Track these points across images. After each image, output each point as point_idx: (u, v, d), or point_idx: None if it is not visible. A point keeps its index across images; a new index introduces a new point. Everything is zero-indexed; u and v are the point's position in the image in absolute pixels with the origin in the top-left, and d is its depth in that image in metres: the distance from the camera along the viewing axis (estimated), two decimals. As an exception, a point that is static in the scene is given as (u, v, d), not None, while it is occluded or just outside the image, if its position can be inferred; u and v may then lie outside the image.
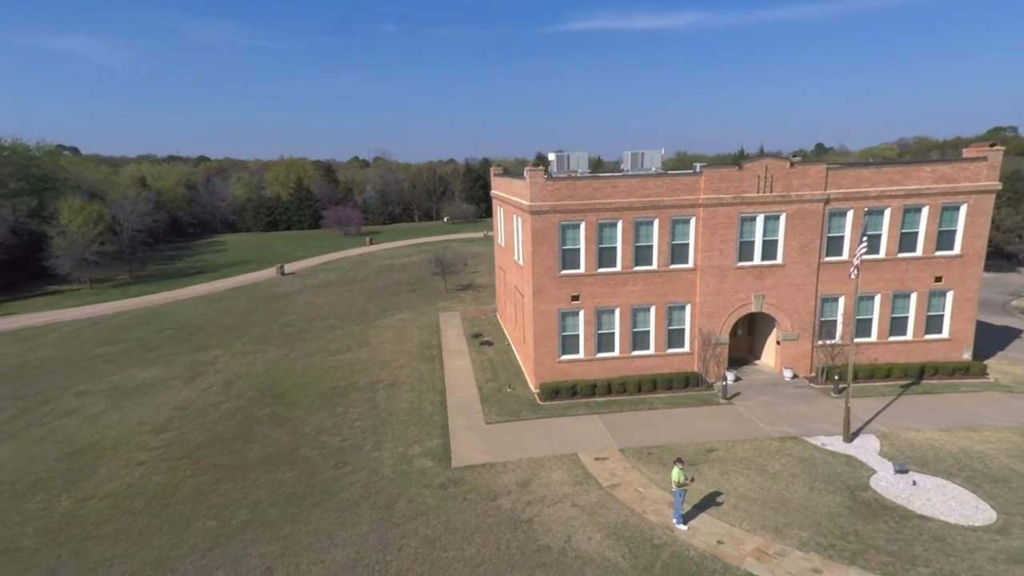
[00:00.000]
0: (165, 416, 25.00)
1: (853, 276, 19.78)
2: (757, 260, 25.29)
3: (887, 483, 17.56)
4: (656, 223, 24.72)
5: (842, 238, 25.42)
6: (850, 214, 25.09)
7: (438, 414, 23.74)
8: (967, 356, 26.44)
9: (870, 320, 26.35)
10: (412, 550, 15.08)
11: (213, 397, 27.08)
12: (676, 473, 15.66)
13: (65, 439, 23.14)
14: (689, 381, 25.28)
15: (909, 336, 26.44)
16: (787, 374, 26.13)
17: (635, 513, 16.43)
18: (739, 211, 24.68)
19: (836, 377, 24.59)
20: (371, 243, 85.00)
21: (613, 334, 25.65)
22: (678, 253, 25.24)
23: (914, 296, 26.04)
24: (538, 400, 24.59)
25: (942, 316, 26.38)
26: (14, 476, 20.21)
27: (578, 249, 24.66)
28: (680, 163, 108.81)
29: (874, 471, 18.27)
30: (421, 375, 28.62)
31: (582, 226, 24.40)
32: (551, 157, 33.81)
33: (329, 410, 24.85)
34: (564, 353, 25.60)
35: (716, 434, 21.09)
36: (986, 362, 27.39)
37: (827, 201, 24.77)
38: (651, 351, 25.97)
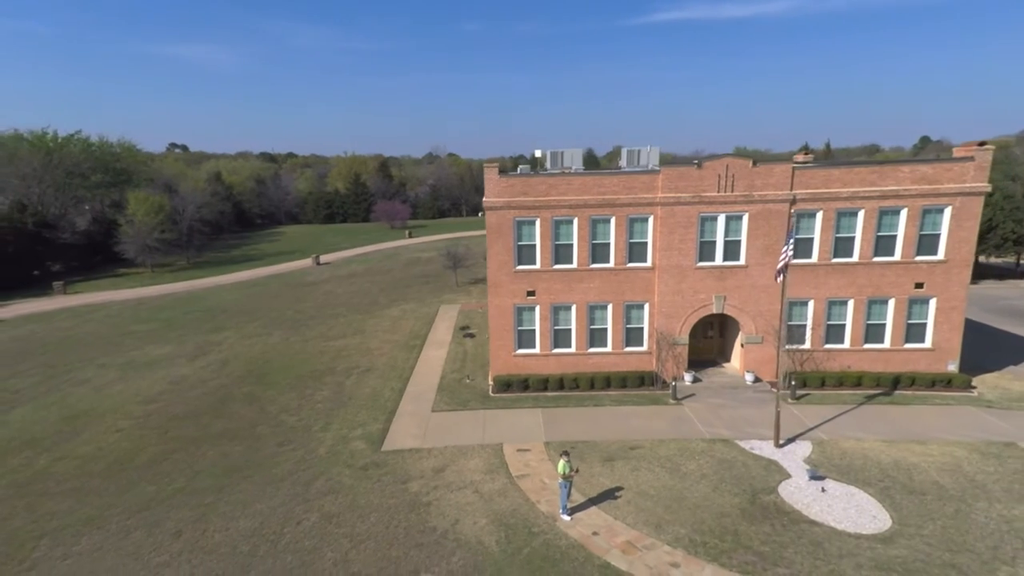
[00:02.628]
0: (158, 389, 27.06)
1: (779, 280, 18.84)
2: (719, 261, 24.39)
3: (796, 488, 16.79)
4: (613, 221, 24.31)
5: (811, 240, 24.09)
6: (819, 215, 23.73)
7: (392, 400, 24.46)
8: (952, 368, 24.45)
9: (843, 326, 24.86)
10: (310, 524, 15.83)
11: (206, 374, 29.01)
12: (561, 465, 15.65)
13: (69, 405, 25.52)
14: (644, 380, 24.77)
15: (887, 344, 24.74)
16: (748, 378, 25.09)
17: (529, 502, 16.50)
18: (699, 210, 23.88)
19: (792, 383, 23.42)
20: (410, 236, 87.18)
21: (570, 330, 25.48)
22: (636, 251, 24.73)
23: (892, 302, 24.33)
24: (490, 392, 24.83)
25: (924, 324, 24.52)
26: (13, 434, 22.55)
27: (534, 245, 24.62)
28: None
29: (789, 476, 17.50)
30: (395, 363, 29.47)
31: (537, 222, 24.34)
32: (537, 154, 33.84)
33: (299, 392, 26.11)
34: (520, 347, 25.68)
35: (649, 433, 20.66)
36: (988, 375, 25.39)
37: (793, 201, 23.54)
38: (608, 349, 25.61)
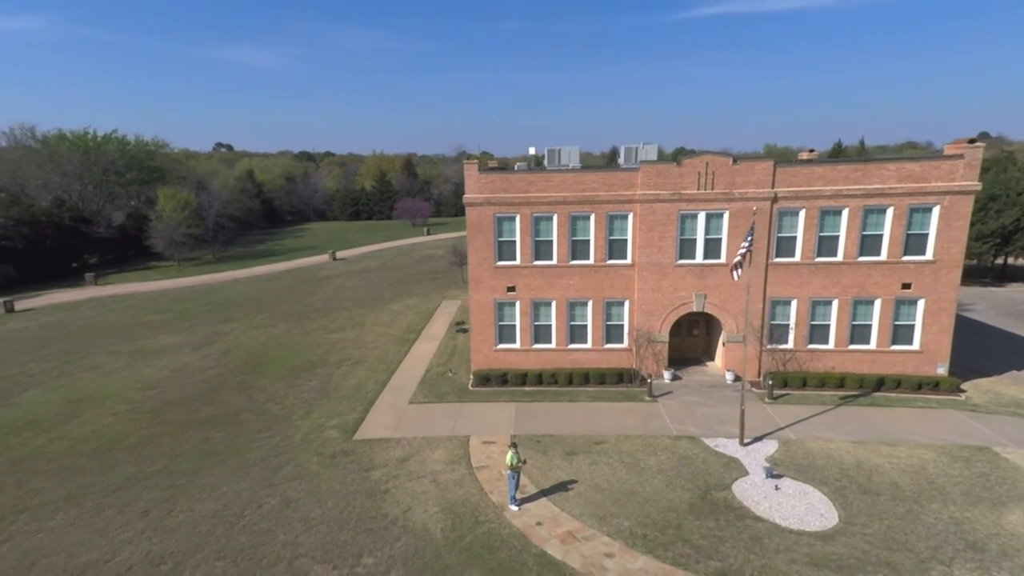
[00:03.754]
0: (159, 376, 28.04)
1: (736, 277, 18.49)
2: (699, 259, 24.00)
3: (750, 486, 16.52)
4: (592, 218, 24.15)
5: (794, 239, 23.50)
6: (802, 213, 23.12)
7: (374, 392, 24.82)
8: (942, 371, 23.57)
9: (827, 326, 24.18)
10: (269, 508, 16.24)
11: (206, 363, 29.93)
12: (509, 456, 15.71)
13: (76, 389, 26.67)
14: (623, 377, 24.56)
15: (872, 345, 23.98)
16: (728, 376, 24.64)
17: (482, 492, 16.60)
18: (678, 208, 23.54)
19: (770, 382, 22.91)
20: (428, 233, 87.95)
21: (550, 326, 25.43)
22: (616, 249, 24.51)
23: (878, 303, 23.56)
24: (470, 386, 24.98)
25: (912, 326, 23.67)
26: (19, 415, 23.69)
27: (514, 241, 24.64)
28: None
29: (747, 474, 17.21)
30: (385, 356, 29.88)
31: (517, 219, 24.34)
32: (531, 152, 33.81)
33: (289, 381, 26.72)
34: (501, 342, 25.75)
35: (617, 429, 20.51)
36: (985, 380, 24.47)
37: (775, 200, 22.99)
38: (588, 345, 25.47)
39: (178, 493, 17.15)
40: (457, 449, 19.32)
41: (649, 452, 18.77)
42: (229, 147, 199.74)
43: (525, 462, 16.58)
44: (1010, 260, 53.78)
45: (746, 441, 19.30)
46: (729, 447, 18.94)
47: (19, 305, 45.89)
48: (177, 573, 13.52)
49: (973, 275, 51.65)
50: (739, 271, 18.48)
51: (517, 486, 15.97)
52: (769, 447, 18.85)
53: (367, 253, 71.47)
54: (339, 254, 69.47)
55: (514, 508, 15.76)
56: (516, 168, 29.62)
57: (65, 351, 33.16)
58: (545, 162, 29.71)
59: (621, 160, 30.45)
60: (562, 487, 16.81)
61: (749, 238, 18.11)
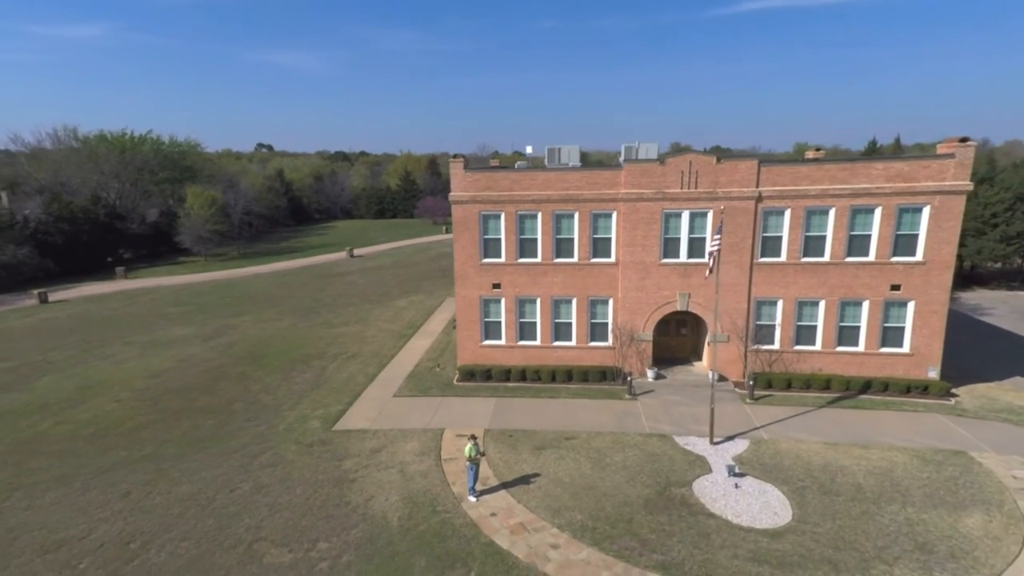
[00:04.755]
0: (166, 366, 29.13)
1: (707, 275, 18.22)
2: (683, 258, 23.73)
3: (710, 484, 16.41)
4: (576, 216, 24.11)
5: (780, 238, 23.03)
6: (787, 213, 22.65)
7: (362, 385, 25.30)
8: (933, 374, 22.79)
9: (814, 327, 23.64)
10: (241, 493, 16.78)
11: (211, 354, 30.95)
12: (468, 449, 15.90)
13: (87, 376, 27.93)
14: (606, 375, 24.47)
15: (861, 347, 23.34)
16: (712, 377, 24.26)
17: (445, 484, 16.84)
18: (662, 207, 23.32)
19: (751, 383, 22.53)
20: (446, 232, 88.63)
21: (535, 323, 25.49)
22: (600, 247, 24.42)
23: (866, 304, 22.92)
24: (455, 381, 25.24)
25: (902, 328, 22.96)
26: (32, 399, 24.94)
27: (499, 239, 24.76)
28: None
29: (711, 472, 17.05)
30: (380, 350, 30.39)
31: (502, 217, 24.47)
32: (528, 151, 33.88)
33: (285, 373, 27.44)
34: (487, 338, 25.92)
35: (591, 425, 20.48)
36: (982, 385, 23.70)
37: (759, 199, 22.57)
38: (573, 343, 25.44)
39: (160, 476, 17.87)
40: (430, 441, 19.60)
41: (617, 449, 18.72)
42: (270, 147, 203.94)
43: (484, 454, 16.77)
44: None
45: (717, 440, 19.07)
46: (699, 445, 18.75)
47: (52, 297, 48.11)
48: (143, 551, 14.13)
49: (1000, 278, 49.60)
50: (709, 270, 18.25)
51: (476, 478, 16.15)
52: (739, 446, 18.59)
53: (384, 251, 72.51)
54: (357, 251, 70.68)
55: (472, 499, 15.95)
56: (516, 167, 29.73)
57: (85, 340, 34.69)
58: (545, 161, 29.73)
59: (622, 158, 30.27)
60: (524, 480, 16.93)
61: (717, 236, 17.88)
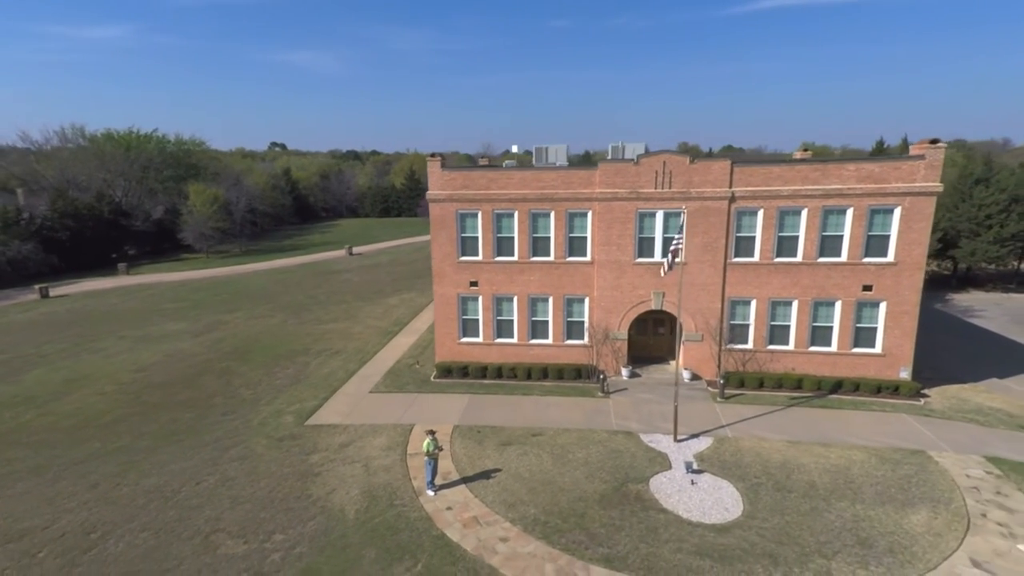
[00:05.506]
0: (153, 360, 29.44)
1: (664, 273, 18.23)
2: (657, 257, 23.66)
3: (667, 480, 16.47)
4: (552, 215, 24.11)
5: (753, 238, 22.93)
6: (760, 213, 22.54)
7: (341, 380, 25.44)
8: (904, 375, 22.61)
9: (788, 327, 23.51)
10: (206, 486, 16.95)
11: (199, 349, 31.24)
12: (426, 444, 16.01)
13: (76, 369, 28.29)
14: (581, 373, 24.46)
15: (834, 348, 23.20)
16: (685, 375, 24.24)
17: (406, 478, 16.94)
18: (636, 206, 23.28)
19: (722, 382, 22.46)
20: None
21: (512, 321, 25.53)
22: (576, 246, 24.41)
23: (839, 304, 22.77)
24: (432, 378, 25.34)
25: (874, 329, 22.79)
26: (20, 391, 25.30)
27: (476, 237, 24.81)
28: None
29: (670, 468, 17.07)
30: (364, 347, 30.55)
31: (479, 215, 24.52)
32: (514, 149, 33.89)
33: (268, 369, 27.66)
34: (465, 336, 25.99)
35: (560, 422, 20.50)
36: (955, 386, 23.47)
37: (732, 199, 22.48)
38: (549, 341, 25.46)
39: (130, 468, 18.09)
40: (398, 437, 19.70)
41: (582, 445, 18.74)
42: (283, 146, 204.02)
43: (442, 449, 16.84)
44: None
45: (681, 438, 19.04)
46: (663, 443, 18.74)
47: (53, 292, 48.70)
48: (102, 541, 14.33)
49: (997, 280, 49.04)
50: (667, 268, 18.23)
51: (435, 472, 16.24)
52: (702, 444, 18.56)
53: (384, 249, 72.81)
54: (356, 249, 71.00)
55: (431, 493, 16.04)
56: (504, 165, 29.77)
57: (80, 335, 35.12)
58: (533, 160, 29.76)
59: (609, 157, 30.21)
60: (484, 475, 17.00)
61: (678, 236, 17.84)
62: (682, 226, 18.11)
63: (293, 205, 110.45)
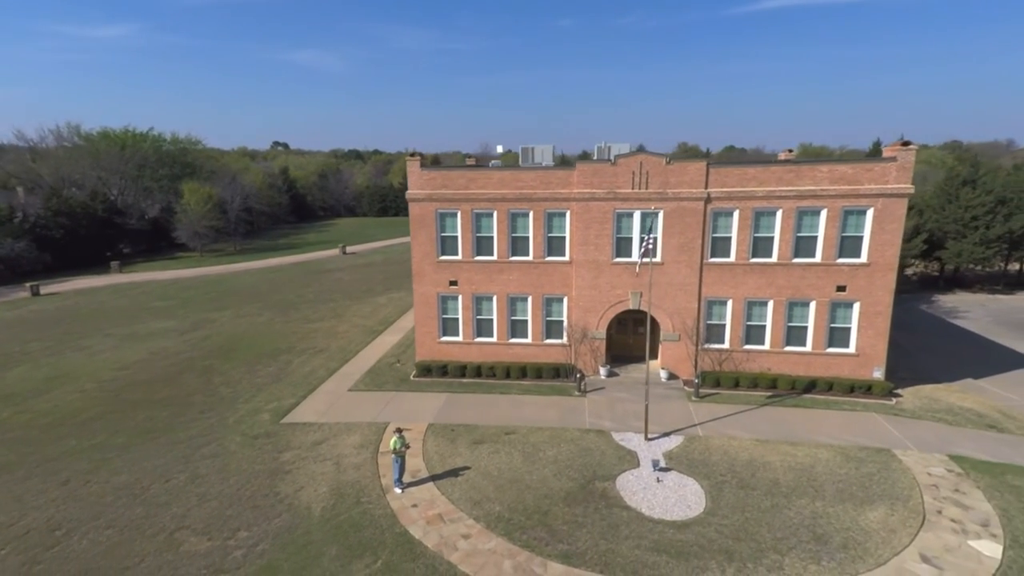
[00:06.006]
0: (137, 358, 29.39)
1: (637, 271, 18.23)
2: (635, 257, 23.62)
3: (634, 478, 16.50)
4: (531, 215, 24.09)
5: (729, 239, 22.91)
6: (736, 214, 22.52)
7: (321, 379, 25.40)
8: (878, 375, 22.62)
9: (763, 327, 23.51)
10: (176, 483, 16.92)
11: (184, 347, 31.19)
12: (393, 441, 16.01)
13: (58, 367, 28.21)
14: (560, 372, 24.44)
15: (808, 347, 23.20)
16: (663, 375, 24.24)
17: (376, 476, 16.92)
18: (614, 207, 23.25)
19: (697, 381, 22.46)
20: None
21: (491, 320, 25.51)
22: (555, 246, 24.39)
23: (813, 305, 22.77)
24: (411, 376, 25.31)
25: (848, 329, 22.79)
26: None
27: (456, 236, 24.79)
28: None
29: (638, 466, 17.10)
30: (348, 346, 30.51)
31: (458, 215, 24.49)
32: (499, 150, 33.86)
33: (250, 367, 27.61)
34: (445, 335, 25.96)
35: (534, 421, 20.48)
36: (929, 386, 23.48)
37: (708, 200, 22.46)
38: (529, 340, 25.43)
39: (102, 466, 18.05)
40: (372, 435, 19.68)
41: (553, 443, 18.72)
42: (285, 145, 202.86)
43: (409, 447, 16.82)
44: None
45: (652, 436, 19.02)
46: (633, 441, 18.73)
47: (44, 289, 48.59)
48: (67, 538, 14.29)
49: (985, 281, 49.05)
50: (640, 266, 18.25)
51: (402, 470, 16.22)
52: (672, 442, 18.56)
53: (378, 248, 72.76)
54: (350, 248, 70.95)
55: (398, 491, 16.03)
56: (491, 165, 29.73)
57: (67, 332, 35.05)
58: (520, 160, 29.70)
59: (595, 157, 30.19)
60: (453, 473, 16.99)
61: (648, 236, 17.85)
62: (651, 226, 18.11)
63: (290, 204, 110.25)
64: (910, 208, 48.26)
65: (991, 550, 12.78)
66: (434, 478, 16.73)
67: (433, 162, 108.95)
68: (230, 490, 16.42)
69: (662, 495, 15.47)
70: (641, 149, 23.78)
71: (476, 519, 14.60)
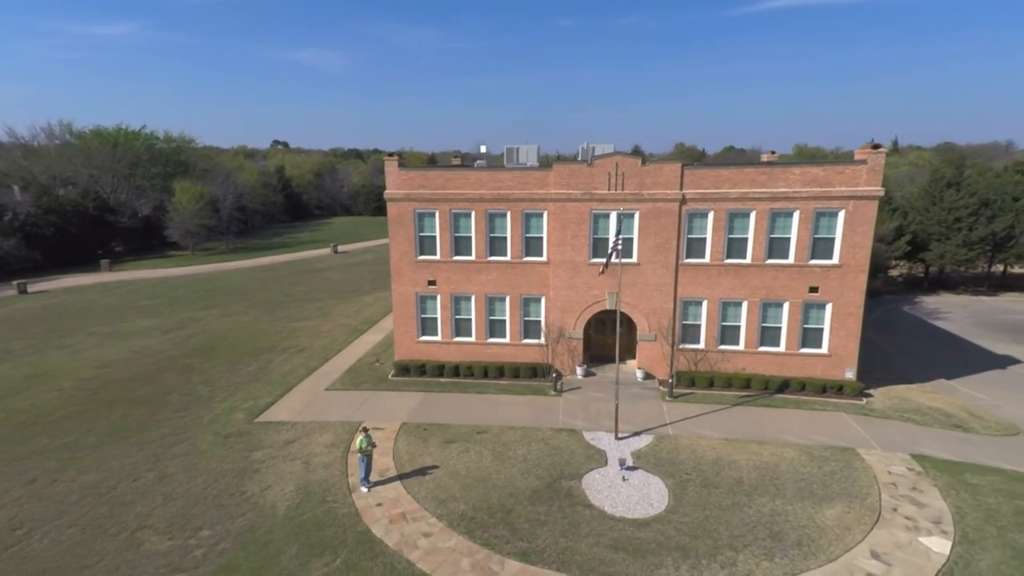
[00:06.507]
0: (118, 356, 29.22)
1: (601, 272, 18.24)
2: (603, 258, 23.59)
3: (600, 477, 16.52)
4: (509, 215, 24.04)
5: (704, 240, 22.90)
6: (711, 215, 22.51)
7: (300, 378, 25.29)
8: (850, 375, 22.65)
9: (738, 327, 23.52)
10: (143, 482, 16.79)
11: (166, 346, 31.04)
12: (358, 441, 15.96)
13: (39, 365, 28.03)
14: (537, 372, 24.38)
15: (782, 348, 23.21)
16: (639, 374, 24.24)
17: (344, 475, 16.86)
18: (590, 207, 23.22)
19: (671, 381, 22.45)
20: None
21: (470, 320, 25.45)
22: (532, 246, 24.34)
23: (786, 306, 22.78)
24: (390, 376, 25.23)
25: (821, 330, 22.81)
26: (-22, 388, 25.14)
27: (434, 236, 24.72)
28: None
29: (605, 465, 17.09)
30: (331, 345, 30.40)
31: (437, 215, 24.42)
32: (483, 150, 33.80)
33: (231, 366, 27.48)
34: (424, 334, 25.89)
35: (507, 420, 20.43)
36: (902, 386, 23.52)
37: (683, 201, 22.45)
38: (507, 340, 25.39)
39: (70, 464, 17.92)
40: (344, 434, 19.59)
41: (524, 443, 18.68)
42: (285, 144, 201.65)
43: (375, 446, 16.75)
44: (1016, 269, 50.70)
45: (622, 435, 19.00)
46: (604, 440, 18.70)
47: (32, 287, 48.32)
48: (27, 537, 14.18)
49: (969, 283, 49.15)
50: (606, 266, 18.26)
51: (369, 468, 16.15)
52: (642, 441, 18.55)
53: (370, 247, 72.60)
54: (342, 247, 70.80)
55: (364, 490, 15.97)
56: (475, 165, 29.67)
57: (50, 330, 34.85)
58: (504, 160, 29.64)
59: (579, 158, 30.15)
60: (421, 472, 16.93)
61: (616, 236, 17.85)
62: (619, 228, 18.09)
63: (285, 203, 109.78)
64: (894, 210, 48.49)
65: (940, 546, 12.87)
66: (402, 477, 16.67)
67: (429, 161, 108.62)
68: (197, 489, 16.33)
69: (626, 493, 15.46)
70: (616, 151, 23.75)
71: (439, 517, 14.55)
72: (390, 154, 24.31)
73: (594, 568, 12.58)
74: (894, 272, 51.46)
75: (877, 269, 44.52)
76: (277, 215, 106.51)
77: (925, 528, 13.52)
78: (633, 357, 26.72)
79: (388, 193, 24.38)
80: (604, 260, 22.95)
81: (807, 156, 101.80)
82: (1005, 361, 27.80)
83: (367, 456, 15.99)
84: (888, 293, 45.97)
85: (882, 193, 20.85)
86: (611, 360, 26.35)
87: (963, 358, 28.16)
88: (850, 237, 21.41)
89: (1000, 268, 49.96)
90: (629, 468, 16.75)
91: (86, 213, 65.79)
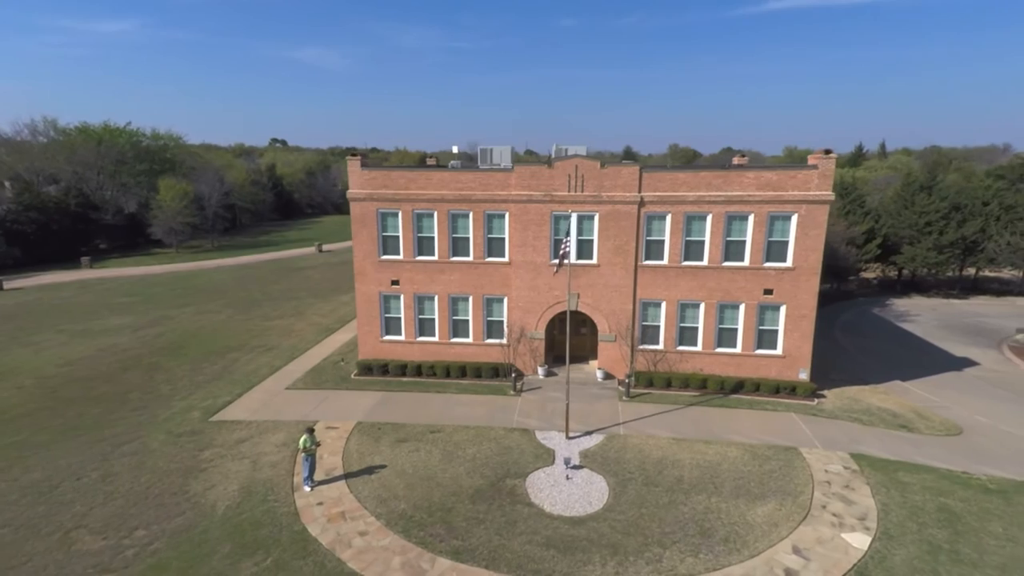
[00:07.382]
0: (83, 355, 28.81)
1: (555, 272, 18.20)
2: (572, 259, 23.42)
3: (545, 475, 16.52)
4: (471, 216, 23.91)
5: (662, 242, 22.87)
6: (668, 218, 22.48)
7: (262, 377, 25.02)
8: (804, 376, 22.69)
9: (696, 328, 23.51)
10: (87, 481, 16.49)
11: (134, 344, 30.65)
12: (302, 440, 15.77)
13: (2, 363, 27.64)
14: (499, 372, 24.28)
15: (738, 349, 23.23)
16: (599, 375, 24.18)
17: (290, 474, 16.66)
18: (551, 209, 23.13)
19: (627, 381, 22.41)
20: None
21: (433, 320, 25.30)
22: (495, 247, 24.22)
23: (742, 307, 22.79)
24: (353, 375, 25.04)
25: (776, 331, 22.84)
26: (-63, 385, 24.68)
27: (397, 236, 24.55)
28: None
29: (552, 464, 17.04)
30: (299, 344, 30.14)
31: (400, 215, 24.26)
32: (455, 150, 33.65)
33: (196, 365, 27.17)
34: (388, 334, 25.71)
35: (462, 419, 20.29)
36: (856, 387, 23.60)
37: (641, 203, 22.40)
38: (470, 340, 25.26)
39: (17, 463, 17.59)
40: (297, 434, 19.19)
41: (475, 442, 18.56)
42: (283, 142, 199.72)
43: (319, 445, 16.58)
44: (987, 272, 51.07)
45: (573, 435, 18.93)
46: (555, 440, 18.62)
47: (8, 284, 47.63)
48: (-41, 536, 13.93)
49: (942, 286, 49.45)
50: (558, 267, 18.21)
51: (312, 468, 15.96)
52: (592, 441, 18.49)
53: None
54: (328, 246, 70.36)
55: (307, 489, 15.79)
56: (449, 166, 29.49)
57: (19, 328, 34.34)
58: (478, 161, 29.47)
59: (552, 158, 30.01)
60: (368, 471, 16.78)
61: (566, 238, 17.79)
62: (568, 230, 18.04)
63: (275, 201, 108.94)
64: (866, 213, 48.76)
65: (860, 542, 12.96)
66: (347, 476, 16.51)
67: (420, 161, 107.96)
68: (139, 488, 16.08)
69: (567, 492, 15.40)
70: (576, 153, 23.70)
71: (377, 516, 14.41)
72: (352, 153, 24.14)
73: (523, 565, 12.50)
74: (868, 275, 51.76)
75: (849, 271, 44.78)
76: (266, 213, 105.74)
77: (849, 524, 13.60)
78: (596, 357, 26.69)
79: (351, 192, 24.19)
80: (554, 261, 23.00)
81: (797, 158, 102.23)
82: (962, 363, 28.00)
83: (311, 455, 15.81)
84: (861, 295, 46.23)
85: (832, 198, 20.91)
86: (575, 361, 26.30)
87: (921, 360, 28.31)
88: (803, 240, 21.44)
89: (972, 272, 50.37)
90: (575, 467, 16.68)
91: (68, 210, 65.04)
